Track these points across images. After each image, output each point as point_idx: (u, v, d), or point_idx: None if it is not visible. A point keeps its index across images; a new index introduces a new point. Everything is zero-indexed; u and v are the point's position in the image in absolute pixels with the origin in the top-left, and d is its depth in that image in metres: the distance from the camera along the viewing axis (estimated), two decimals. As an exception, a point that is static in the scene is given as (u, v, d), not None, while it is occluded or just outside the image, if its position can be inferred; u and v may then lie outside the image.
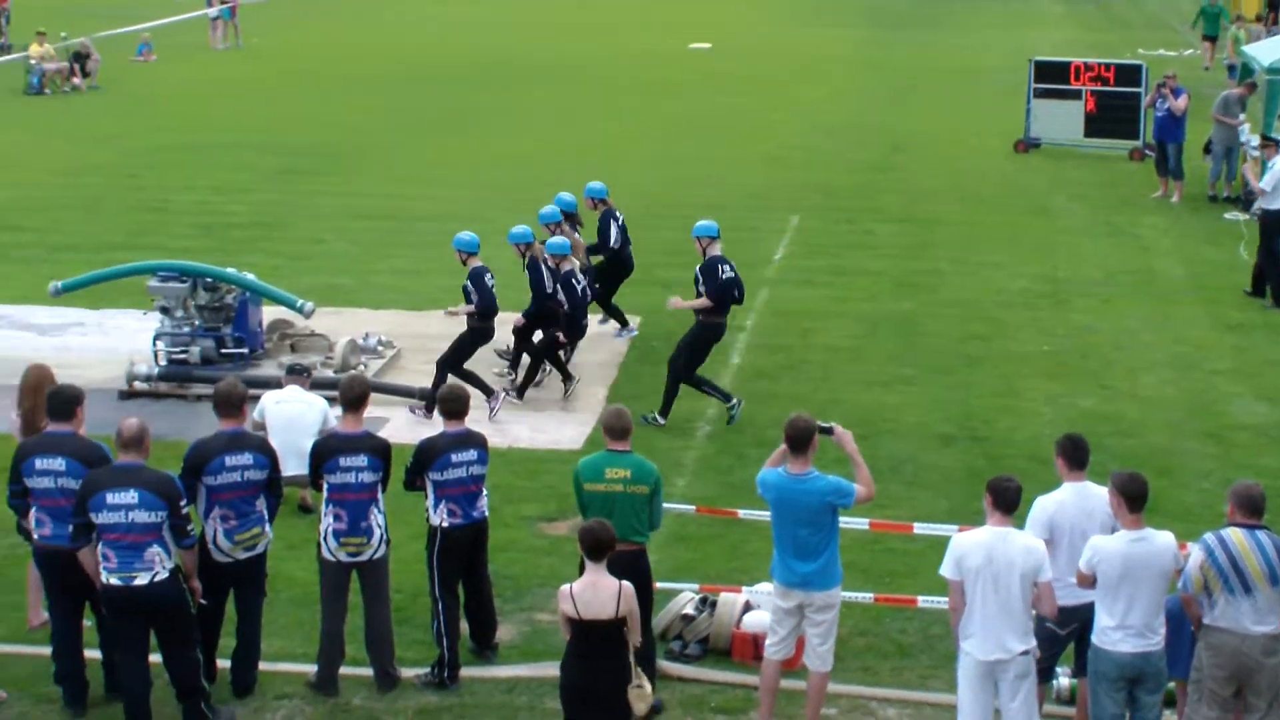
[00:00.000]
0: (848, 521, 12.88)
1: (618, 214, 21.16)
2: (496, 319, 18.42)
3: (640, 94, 41.32)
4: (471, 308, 18.16)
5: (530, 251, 18.94)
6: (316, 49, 49.84)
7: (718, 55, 48.82)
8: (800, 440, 11.44)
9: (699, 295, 17.85)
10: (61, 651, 11.89)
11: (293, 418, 14.71)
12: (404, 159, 32.66)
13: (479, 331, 18.33)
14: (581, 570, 10.72)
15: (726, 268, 17.83)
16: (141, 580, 11.16)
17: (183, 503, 11.30)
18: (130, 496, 11.11)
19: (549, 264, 18.84)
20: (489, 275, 18.22)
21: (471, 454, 12.30)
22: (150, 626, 11.42)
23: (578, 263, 19.21)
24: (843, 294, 23.19)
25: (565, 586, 10.57)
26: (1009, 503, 10.74)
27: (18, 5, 50.57)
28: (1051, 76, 33.74)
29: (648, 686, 10.60)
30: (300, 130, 35.81)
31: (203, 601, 11.76)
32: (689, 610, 13.01)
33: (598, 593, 10.50)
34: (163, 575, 11.20)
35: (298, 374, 15.38)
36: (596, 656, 10.51)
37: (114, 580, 11.18)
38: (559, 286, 18.67)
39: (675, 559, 14.13)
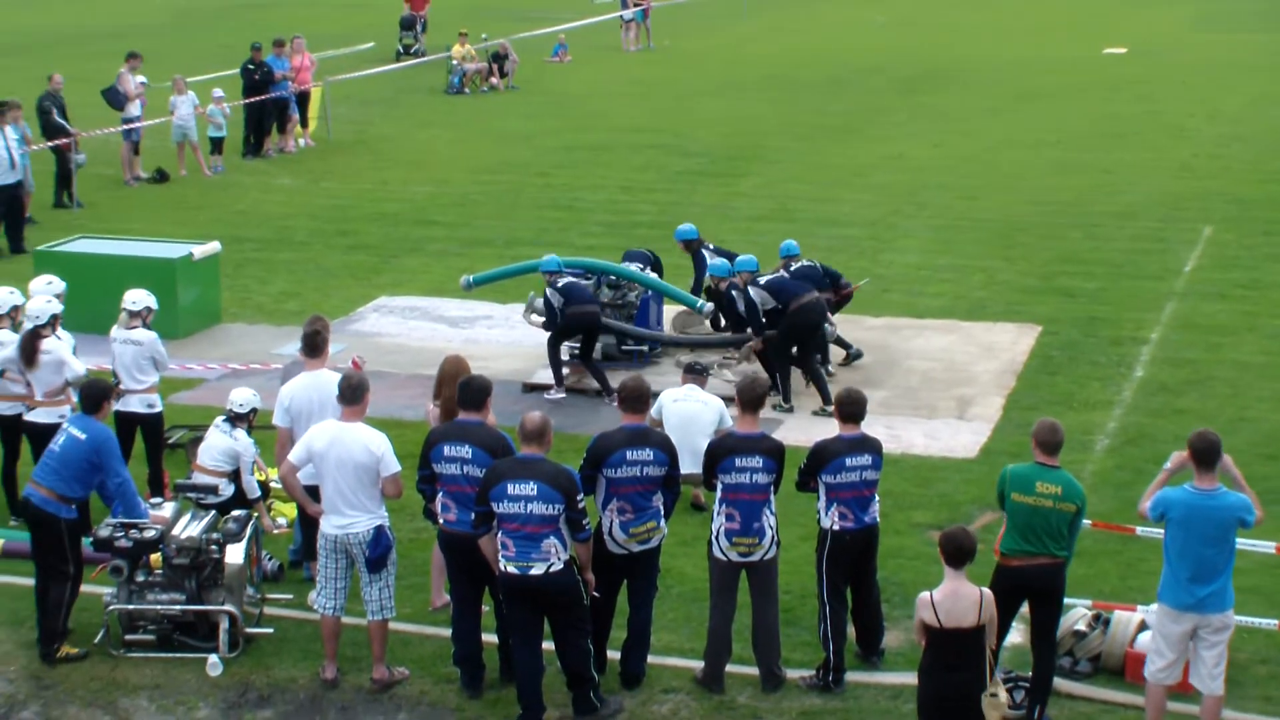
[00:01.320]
0: (1252, 544, 12.47)
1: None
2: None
3: (1049, 98, 40.57)
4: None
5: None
6: (725, 52, 50.31)
7: (1132, 60, 47.61)
8: (1210, 454, 11.18)
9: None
10: (460, 634, 12.27)
11: (689, 416, 14.89)
12: (802, 161, 32.70)
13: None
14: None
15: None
16: (537, 570, 11.45)
17: (579, 497, 11.54)
18: (529, 488, 11.40)
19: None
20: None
21: (865, 459, 12.26)
22: (544, 615, 11.72)
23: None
24: (1256, 309, 22.35)
25: (925, 594, 10.56)
26: None
27: (443, 6, 52.34)
28: None
29: (1003, 695, 10.49)
30: (706, 131, 36.20)
31: (595, 594, 12.02)
32: (1081, 626, 12.74)
33: (958, 601, 10.45)
34: (558, 566, 11.48)
35: (696, 373, 15.56)
36: (956, 665, 10.45)
37: (511, 569, 11.50)
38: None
39: (1069, 574, 13.83)
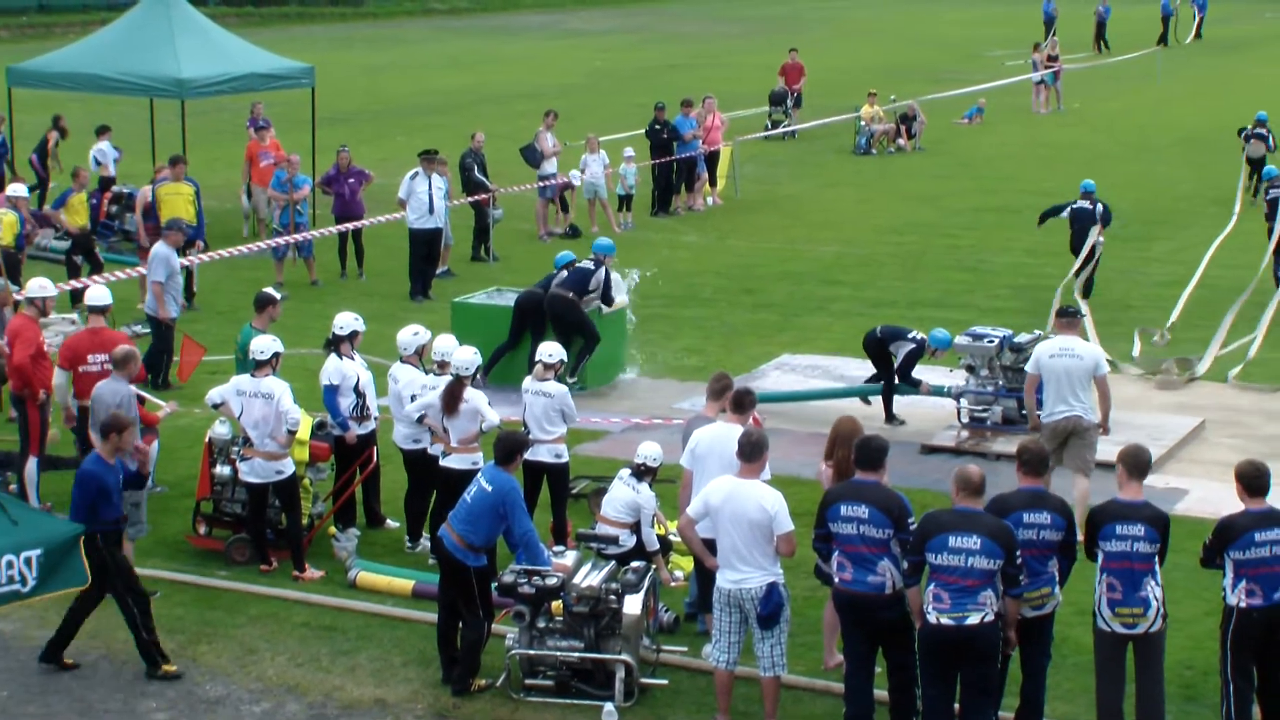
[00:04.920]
0: None
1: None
2: None
3: None
4: None
5: None
6: (1138, 115, 49.38)
7: None
8: None
9: None
10: (853, 693, 12.23)
11: (1066, 371, 15.84)
12: (1218, 226, 31.45)
13: None
14: None
15: None
16: (973, 619, 11.43)
17: (1018, 553, 11.51)
18: (973, 542, 11.42)
19: None
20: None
21: (1276, 533, 11.80)
22: (959, 669, 11.64)
23: None
24: None
25: None
26: None
27: (854, 67, 52.49)
28: None
29: None
30: (1117, 194, 35.20)
31: (1009, 652, 11.92)
32: None
33: None
34: (990, 617, 11.46)
35: (1069, 316, 16.73)
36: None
37: (945, 620, 11.48)
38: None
39: None
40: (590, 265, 21.51)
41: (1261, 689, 12.12)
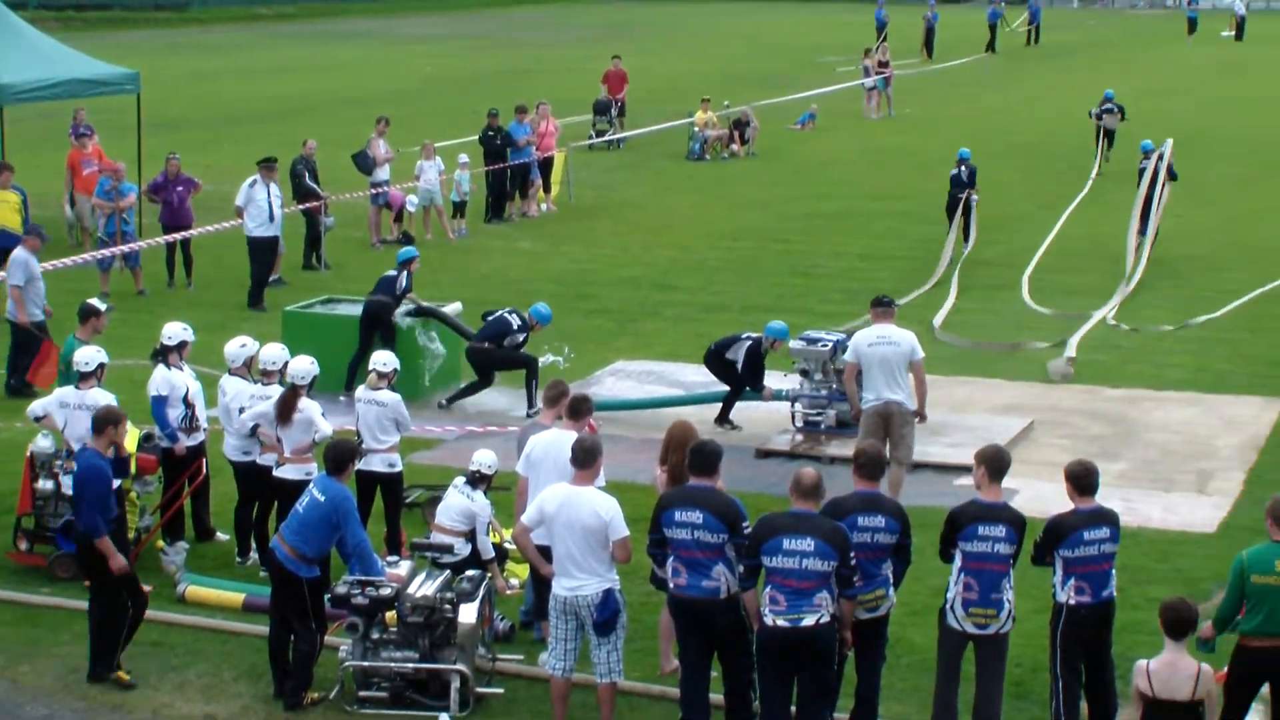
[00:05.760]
0: None
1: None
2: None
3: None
4: None
5: None
6: (969, 121, 49.93)
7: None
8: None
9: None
10: (689, 698, 12.22)
11: (884, 358, 16.60)
12: (1045, 230, 31.99)
13: None
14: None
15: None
16: (809, 621, 11.43)
17: (852, 554, 11.54)
18: (807, 544, 11.42)
19: None
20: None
21: (1104, 531, 12.00)
22: (796, 672, 11.64)
23: None
24: None
25: (1141, 662, 10.51)
26: None
27: (687, 72, 52.64)
28: None
29: None
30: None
31: (845, 653, 11.96)
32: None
33: (1175, 672, 10.36)
34: (826, 618, 11.48)
35: (885, 305, 17.20)
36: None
37: (781, 622, 11.48)
38: None
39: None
40: (515, 324, 20.95)
41: (1089, 685, 12.30)
